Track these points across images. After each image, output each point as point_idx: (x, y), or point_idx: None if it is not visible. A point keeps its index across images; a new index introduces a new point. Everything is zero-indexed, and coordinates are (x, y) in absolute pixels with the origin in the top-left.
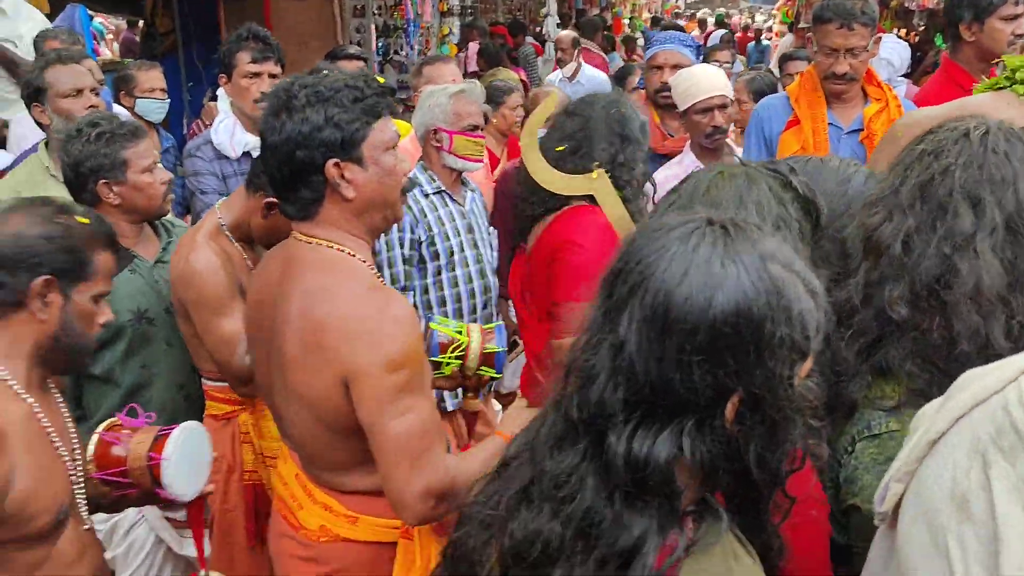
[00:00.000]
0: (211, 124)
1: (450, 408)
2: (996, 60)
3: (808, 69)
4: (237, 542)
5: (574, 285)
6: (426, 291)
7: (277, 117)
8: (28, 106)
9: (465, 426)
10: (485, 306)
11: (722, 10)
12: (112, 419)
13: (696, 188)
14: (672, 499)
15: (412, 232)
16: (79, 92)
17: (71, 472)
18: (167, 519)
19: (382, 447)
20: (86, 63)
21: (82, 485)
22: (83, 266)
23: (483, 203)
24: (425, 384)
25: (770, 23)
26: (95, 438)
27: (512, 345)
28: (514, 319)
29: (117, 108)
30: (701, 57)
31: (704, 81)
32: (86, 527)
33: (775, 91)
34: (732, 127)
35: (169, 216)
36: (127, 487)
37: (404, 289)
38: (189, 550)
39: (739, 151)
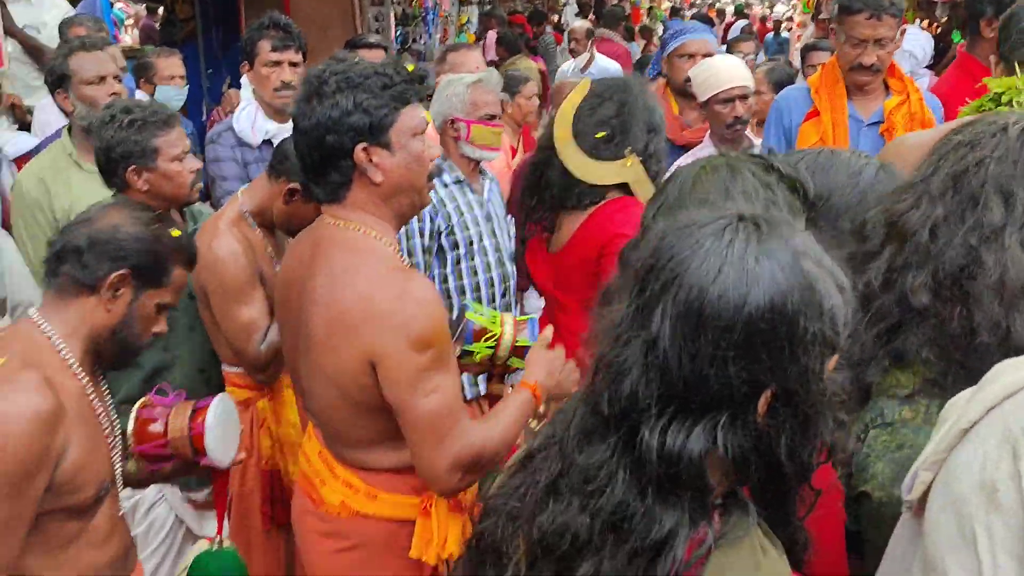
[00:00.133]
0: (230, 112)
1: (468, 397)
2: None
3: (830, 60)
4: (253, 526)
5: None
6: (445, 280)
7: (308, 102)
8: (52, 92)
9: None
10: (504, 295)
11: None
12: (143, 399)
13: (683, 185)
14: (703, 493)
15: (431, 222)
16: (102, 79)
17: (112, 451)
18: (187, 499)
19: (411, 425)
20: (109, 50)
21: (120, 465)
22: (160, 274)
23: (500, 192)
24: (450, 361)
25: (790, 13)
26: (133, 415)
27: None
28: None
29: (139, 94)
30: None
31: (725, 71)
32: (120, 511)
33: (793, 83)
34: (751, 119)
35: (199, 206)
36: (165, 460)
37: None
38: (208, 531)
39: (758, 142)
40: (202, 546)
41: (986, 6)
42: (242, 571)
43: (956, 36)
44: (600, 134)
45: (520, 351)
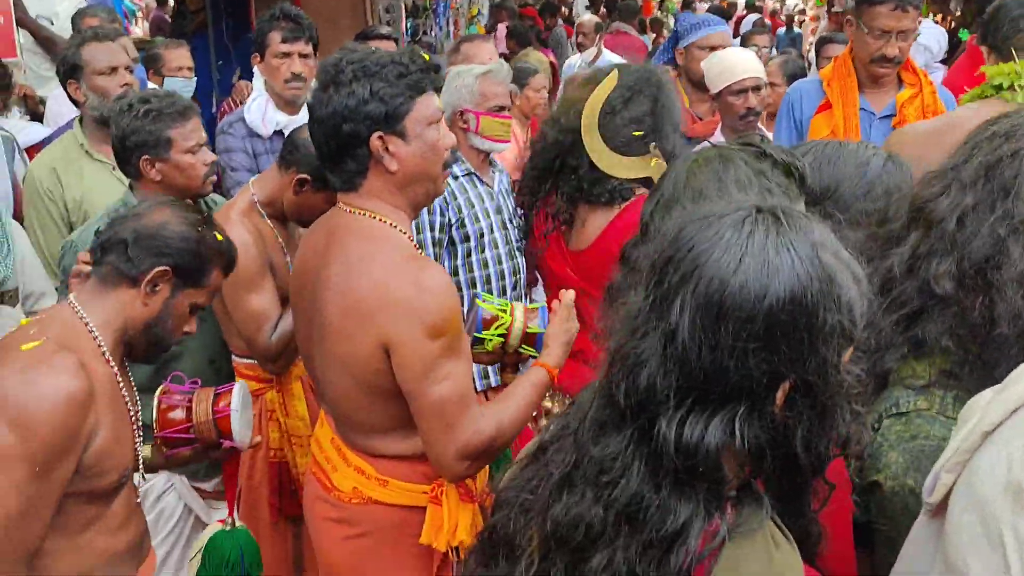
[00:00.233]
0: (242, 103)
1: (479, 388)
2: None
3: (843, 53)
4: (262, 517)
5: None
6: (456, 273)
7: (325, 91)
8: (63, 83)
9: None
10: (515, 287)
11: None
12: (162, 386)
13: (677, 181)
14: (719, 485)
15: (442, 215)
16: (114, 70)
17: (136, 440)
18: (195, 488)
19: (422, 411)
20: (121, 41)
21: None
22: (200, 274)
23: (511, 184)
24: (462, 350)
25: (801, 6)
26: (155, 402)
27: None
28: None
29: (149, 86)
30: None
31: (739, 63)
32: (138, 499)
33: (805, 76)
34: (763, 111)
35: (214, 196)
36: (185, 444)
37: None
38: (216, 520)
39: (769, 135)
40: (215, 527)
41: None
42: (255, 549)
43: (963, 34)
44: (637, 132)
45: (531, 339)
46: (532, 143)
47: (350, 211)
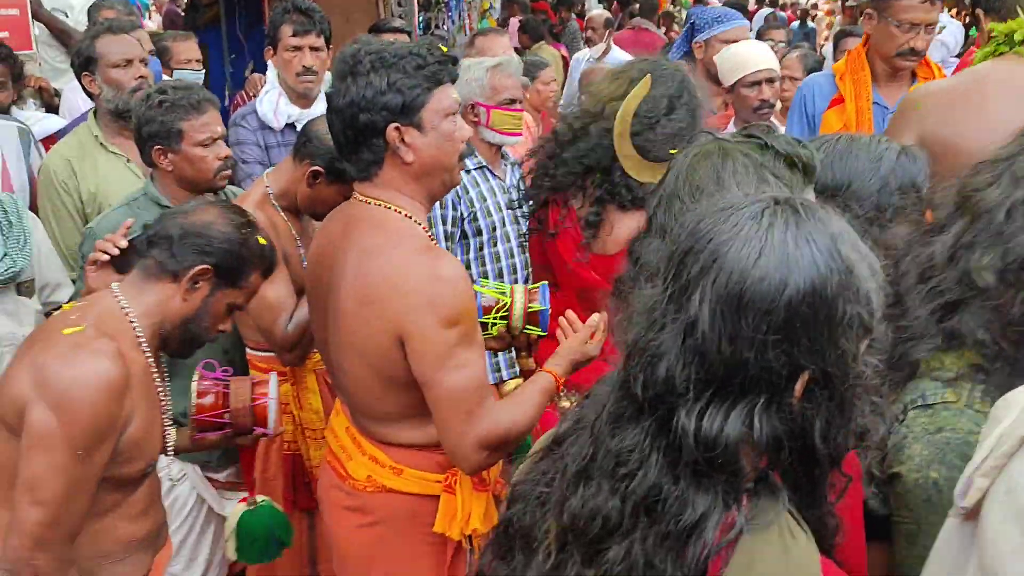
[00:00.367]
0: (255, 96)
1: (506, 377)
2: None
3: (856, 47)
4: None
5: None
6: (468, 266)
7: (342, 81)
8: (78, 75)
9: None
10: (527, 280)
11: None
12: (196, 372)
13: (678, 175)
14: (736, 476)
15: (454, 209)
16: (128, 63)
17: (165, 430)
18: (208, 478)
19: (438, 401)
20: (136, 34)
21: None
22: (240, 275)
23: (523, 177)
24: (477, 339)
25: (815, 0)
26: (193, 386)
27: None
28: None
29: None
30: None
31: (752, 56)
32: (161, 489)
33: (821, 69)
34: (778, 104)
35: (232, 187)
36: (217, 429)
37: None
38: (229, 510)
39: (783, 130)
40: (240, 508)
41: None
42: (284, 521)
43: (973, 31)
44: (674, 151)
45: (534, 317)
46: (555, 133)
47: (366, 201)
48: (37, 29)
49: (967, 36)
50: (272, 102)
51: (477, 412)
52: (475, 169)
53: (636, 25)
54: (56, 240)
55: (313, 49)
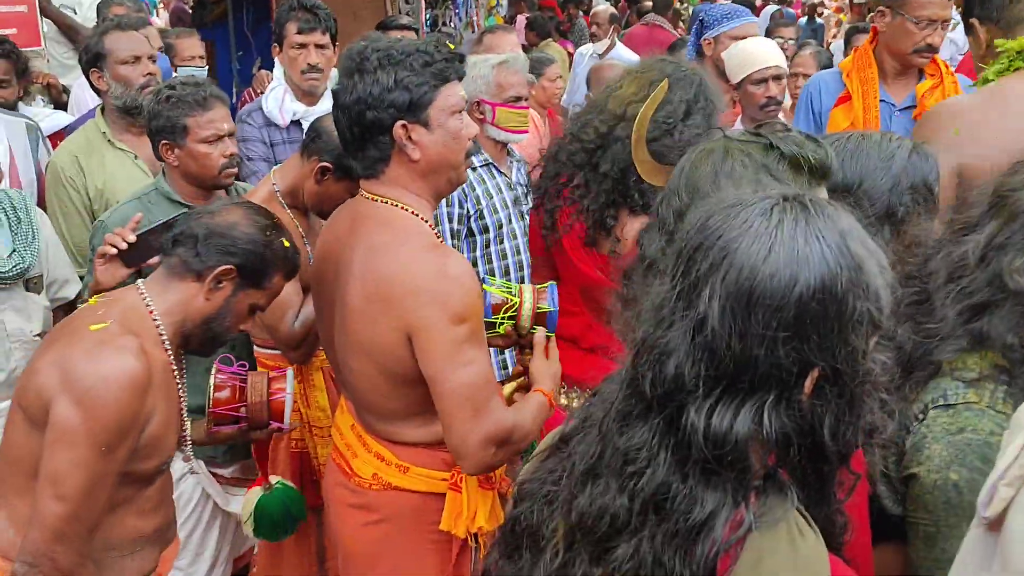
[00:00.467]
0: (261, 93)
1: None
2: None
3: (863, 44)
4: None
5: None
6: (474, 264)
7: (349, 78)
8: (86, 72)
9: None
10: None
11: None
12: (213, 367)
13: (680, 172)
14: (745, 474)
15: (460, 206)
16: (137, 59)
17: (182, 429)
18: (213, 474)
19: (445, 397)
20: (145, 30)
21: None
22: (263, 276)
23: (529, 174)
24: (483, 337)
25: None
26: (211, 379)
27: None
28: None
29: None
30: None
31: (760, 52)
32: (172, 487)
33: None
34: (788, 101)
35: (241, 184)
36: (232, 423)
37: None
38: (234, 506)
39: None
40: (256, 492)
41: None
42: (298, 496)
43: None
44: None
45: (542, 318)
46: (575, 138)
47: (372, 199)
48: (46, 25)
49: None
50: (277, 99)
51: (484, 409)
52: (481, 166)
53: (650, 22)
54: (63, 236)
55: (318, 47)
